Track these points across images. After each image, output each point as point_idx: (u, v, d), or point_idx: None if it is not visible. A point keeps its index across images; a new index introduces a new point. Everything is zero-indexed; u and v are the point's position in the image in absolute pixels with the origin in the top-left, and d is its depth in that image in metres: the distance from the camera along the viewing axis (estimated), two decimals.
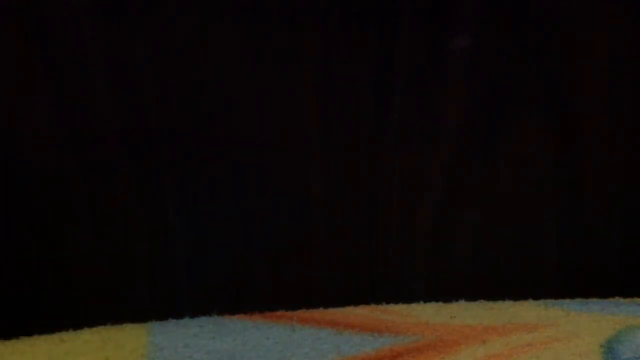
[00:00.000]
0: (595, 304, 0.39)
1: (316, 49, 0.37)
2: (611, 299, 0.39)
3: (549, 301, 0.40)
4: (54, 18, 0.36)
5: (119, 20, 0.36)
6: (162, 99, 0.38)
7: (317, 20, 0.37)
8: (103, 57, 0.36)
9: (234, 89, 0.38)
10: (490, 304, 0.40)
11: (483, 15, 0.37)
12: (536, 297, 0.40)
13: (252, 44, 0.37)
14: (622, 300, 0.39)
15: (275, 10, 0.36)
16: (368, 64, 0.38)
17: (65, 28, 0.36)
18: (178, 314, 0.37)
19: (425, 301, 0.40)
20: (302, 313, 0.38)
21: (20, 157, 0.38)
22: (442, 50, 0.37)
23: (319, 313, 0.38)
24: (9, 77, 0.37)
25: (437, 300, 0.40)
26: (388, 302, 0.39)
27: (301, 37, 0.37)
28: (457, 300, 0.40)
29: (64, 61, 0.36)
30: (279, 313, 0.38)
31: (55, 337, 0.35)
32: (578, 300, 0.40)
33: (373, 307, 0.39)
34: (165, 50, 0.36)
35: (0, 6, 0.35)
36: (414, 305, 0.39)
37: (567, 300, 0.40)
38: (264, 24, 0.37)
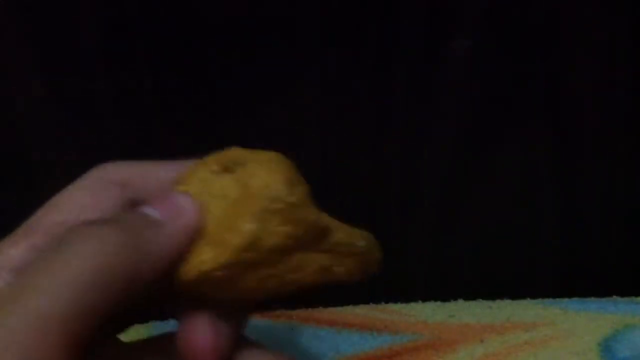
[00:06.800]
0: (592, 302, 0.39)
1: (315, 49, 0.37)
2: (608, 298, 0.39)
3: (547, 300, 0.40)
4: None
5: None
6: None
7: (315, 20, 0.37)
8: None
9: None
10: (489, 302, 0.40)
11: (483, 17, 0.37)
12: (534, 296, 0.40)
13: (249, 45, 0.37)
14: (619, 299, 0.39)
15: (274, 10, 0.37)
16: (368, 64, 0.38)
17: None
18: None
19: (424, 300, 0.40)
20: (302, 312, 0.38)
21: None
22: (442, 50, 0.37)
23: (318, 312, 0.38)
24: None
25: (435, 300, 0.40)
26: (387, 302, 0.40)
27: (300, 37, 0.37)
28: (455, 299, 0.40)
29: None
30: (278, 312, 0.38)
31: None
32: (576, 299, 0.40)
33: (372, 306, 0.39)
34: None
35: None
36: (412, 304, 0.39)
37: (565, 299, 0.40)
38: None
